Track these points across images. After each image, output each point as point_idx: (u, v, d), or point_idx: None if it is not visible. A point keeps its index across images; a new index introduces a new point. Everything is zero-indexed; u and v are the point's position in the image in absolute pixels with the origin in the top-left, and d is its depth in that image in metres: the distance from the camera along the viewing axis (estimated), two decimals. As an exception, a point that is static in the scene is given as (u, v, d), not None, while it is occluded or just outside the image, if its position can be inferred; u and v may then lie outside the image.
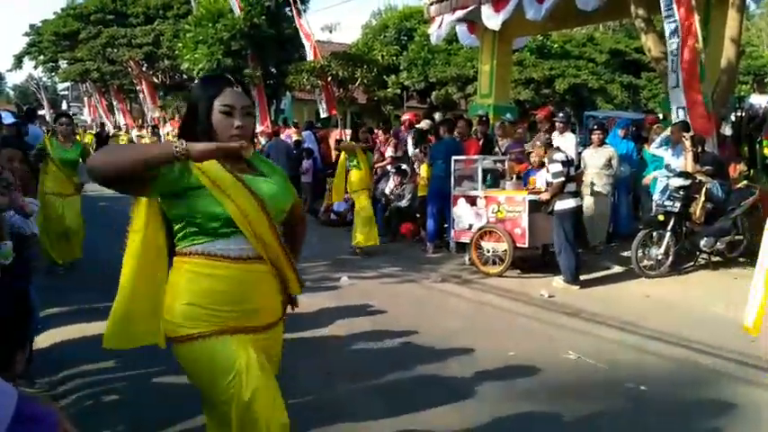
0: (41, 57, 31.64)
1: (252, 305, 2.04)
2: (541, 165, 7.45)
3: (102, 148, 2.03)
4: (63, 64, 32.04)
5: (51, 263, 6.69)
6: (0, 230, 3.49)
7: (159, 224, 2.09)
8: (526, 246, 7.30)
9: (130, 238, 2.08)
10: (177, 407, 3.53)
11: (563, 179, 6.77)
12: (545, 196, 6.91)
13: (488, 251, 7.46)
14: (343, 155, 8.86)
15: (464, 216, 7.95)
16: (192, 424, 3.33)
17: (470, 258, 7.72)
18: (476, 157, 8.36)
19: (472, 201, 7.81)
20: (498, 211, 7.50)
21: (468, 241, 7.79)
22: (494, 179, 8.17)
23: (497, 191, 7.78)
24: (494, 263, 7.41)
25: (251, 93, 19.01)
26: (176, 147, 1.76)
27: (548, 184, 7.00)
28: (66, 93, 56.62)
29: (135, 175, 1.81)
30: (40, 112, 42.57)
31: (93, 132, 26.44)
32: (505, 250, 7.25)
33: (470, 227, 7.82)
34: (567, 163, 6.90)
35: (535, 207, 7.19)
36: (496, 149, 9.37)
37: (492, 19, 10.49)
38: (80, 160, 6.62)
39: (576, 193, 7.04)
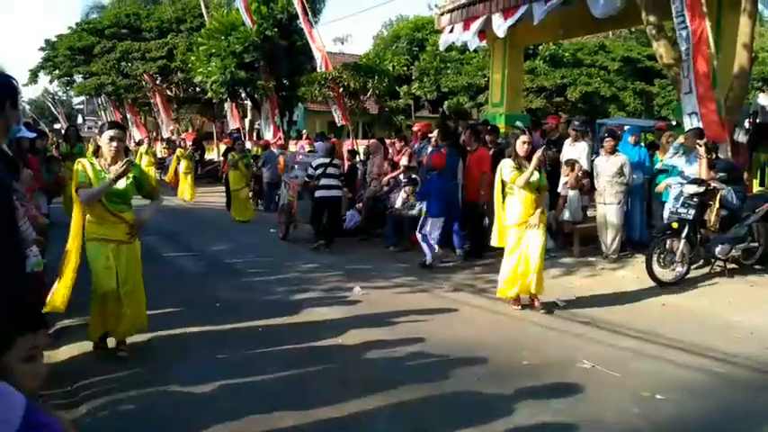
0: (57, 71, 31.98)
1: None
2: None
3: None
4: (78, 78, 32.39)
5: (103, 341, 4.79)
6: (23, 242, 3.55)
7: None
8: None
9: None
10: (192, 419, 3.55)
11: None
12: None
13: None
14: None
15: None
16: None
17: None
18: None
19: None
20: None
21: None
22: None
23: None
24: None
25: (263, 104, 19.26)
26: None
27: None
28: (82, 107, 57.44)
29: None
30: (56, 126, 43.18)
31: None
32: None
33: None
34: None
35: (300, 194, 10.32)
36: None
37: (501, 27, 10.55)
38: (135, 190, 4.60)
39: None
